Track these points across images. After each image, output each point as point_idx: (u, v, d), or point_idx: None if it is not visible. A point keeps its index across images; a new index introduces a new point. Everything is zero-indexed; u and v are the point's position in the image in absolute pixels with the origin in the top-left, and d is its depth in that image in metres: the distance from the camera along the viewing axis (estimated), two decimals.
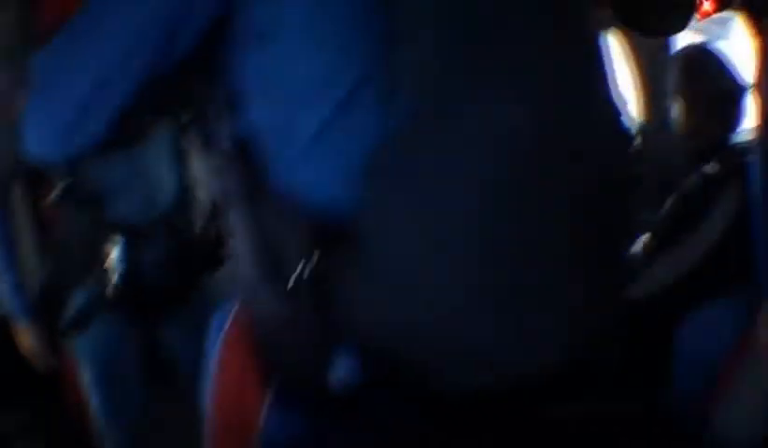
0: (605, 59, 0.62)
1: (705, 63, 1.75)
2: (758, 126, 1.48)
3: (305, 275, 0.52)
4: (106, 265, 1.38)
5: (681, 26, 1.18)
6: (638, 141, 1.84)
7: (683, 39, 1.91)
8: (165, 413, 1.50)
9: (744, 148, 1.61)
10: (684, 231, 1.60)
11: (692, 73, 1.72)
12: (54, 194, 1.39)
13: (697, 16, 2.22)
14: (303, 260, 0.51)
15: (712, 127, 1.69)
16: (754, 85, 1.56)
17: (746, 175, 1.45)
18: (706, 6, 2.28)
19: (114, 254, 1.38)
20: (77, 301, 1.40)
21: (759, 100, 1.49)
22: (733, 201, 1.55)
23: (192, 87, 0.67)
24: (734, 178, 1.57)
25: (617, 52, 2.62)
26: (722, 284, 1.54)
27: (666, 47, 2.07)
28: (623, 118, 0.65)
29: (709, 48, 1.83)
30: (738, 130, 1.71)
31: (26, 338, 1.47)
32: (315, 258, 0.51)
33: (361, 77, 0.52)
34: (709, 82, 1.70)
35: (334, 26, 0.53)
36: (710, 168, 1.62)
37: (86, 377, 1.44)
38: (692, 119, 1.70)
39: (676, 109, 1.72)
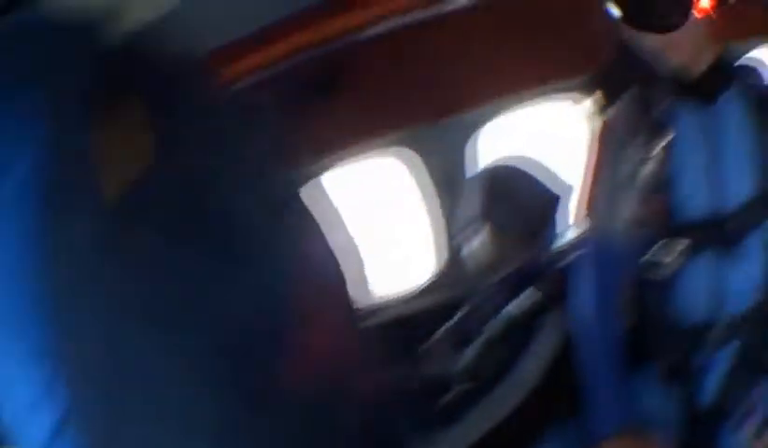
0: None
1: (512, 182, 1.60)
2: (586, 238, 1.30)
3: None
4: None
5: (680, 22, 1.12)
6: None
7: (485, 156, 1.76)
8: None
9: (563, 270, 1.42)
10: (494, 379, 1.44)
11: (498, 195, 1.59)
12: None
13: (695, 13, 2.12)
14: None
15: (523, 252, 1.54)
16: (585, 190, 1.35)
17: (565, 302, 1.29)
18: (704, 2, 2.16)
19: None
20: None
21: (589, 208, 1.31)
22: (552, 334, 1.39)
23: None
24: (553, 307, 1.42)
25: None
26: (547, 425, 1.40)
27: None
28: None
29: (514, 164, 1.66)
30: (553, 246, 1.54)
31: None
32: None
33: None
34: (517, 203, 1.57)
35: None
36: (521, 302, 1.46)
37: None
38: (500, 246, 1.55)
39: (481, 237, 1.57)
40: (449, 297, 1.72)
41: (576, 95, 1.86)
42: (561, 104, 1.94)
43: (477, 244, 1.58)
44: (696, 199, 1.24)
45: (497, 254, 1.57)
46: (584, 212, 1.33)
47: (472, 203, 1.62)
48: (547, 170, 1.67)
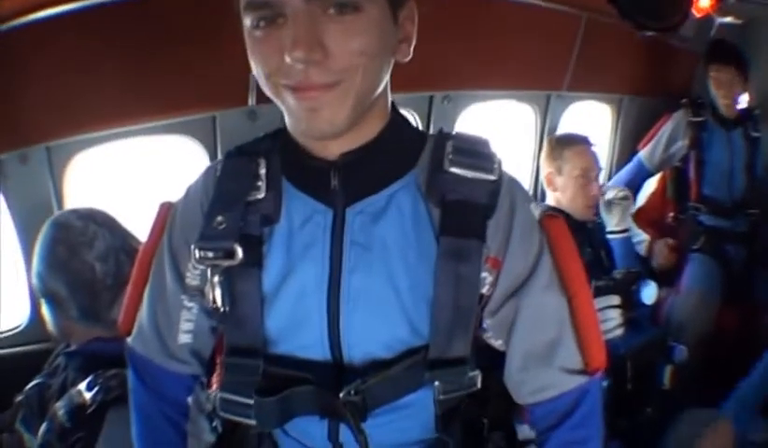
0: None
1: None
2: None
3: None
4: None
5: (679, 22, 1.14)
6: None
7: None
8: None
9: None
10: None
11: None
12: None
13: (695, 12, 2.21)
14: None
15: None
16: None
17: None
18: (704, 2, 2.27)
19: None
20: None
21: None
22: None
23: None
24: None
25: None
26: None
27: None
28: None
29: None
30: None
31: None
32: None
33: None
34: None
35: None
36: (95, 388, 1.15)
37: None
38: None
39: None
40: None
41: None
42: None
43: None
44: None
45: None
46: None
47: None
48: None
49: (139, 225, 1.24)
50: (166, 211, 0.93)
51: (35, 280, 1.32)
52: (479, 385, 0.86)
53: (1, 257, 1.68)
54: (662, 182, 2.71)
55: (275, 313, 0.83)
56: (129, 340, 0.96)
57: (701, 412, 1.75)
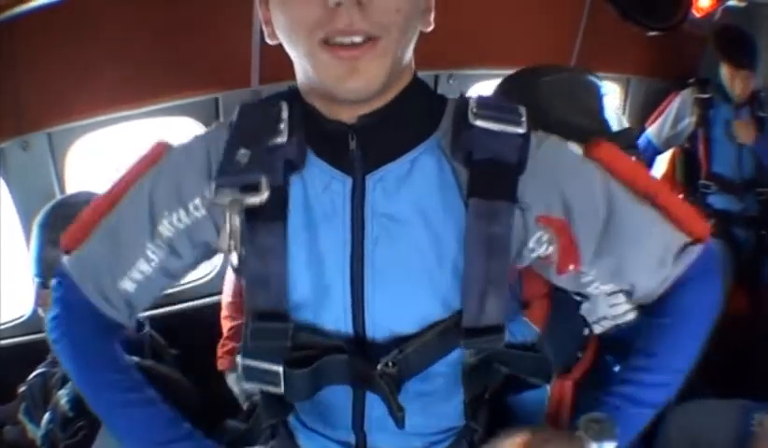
0: None
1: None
2: None
3: None
4: None
5: (679, 22, 1.13)
6: None
7: None
8: None
9: None
10: None
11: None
12: None
13: (694, 12, 2.20)
14: None
15: None
16: None
17: None
18: (703, 2, 2.25)
19: None
20: None
21: None
22: None
23: None
24: None
25: None
26: None
27: None
28: None
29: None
30: None
31: None
32: None
33: None
34: None
35: None
36: None
37: None
38: None
39: None
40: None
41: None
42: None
43: None
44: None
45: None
46: None
47: None
48: None
49: None
50: (161, 150, 0.83)
51: (39, 269, 1.29)
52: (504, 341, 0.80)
53: (2, 246, 1.66)
54: (671, 166, 2.68)
55: (297, 279, 0.77)
56: (66, 258, 0.85)
57: (706, 403, 1.71)
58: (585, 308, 1.71)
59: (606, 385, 1.39)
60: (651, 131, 2.59)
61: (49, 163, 1.63)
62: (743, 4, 2.63)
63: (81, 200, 1.29)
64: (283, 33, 0.70)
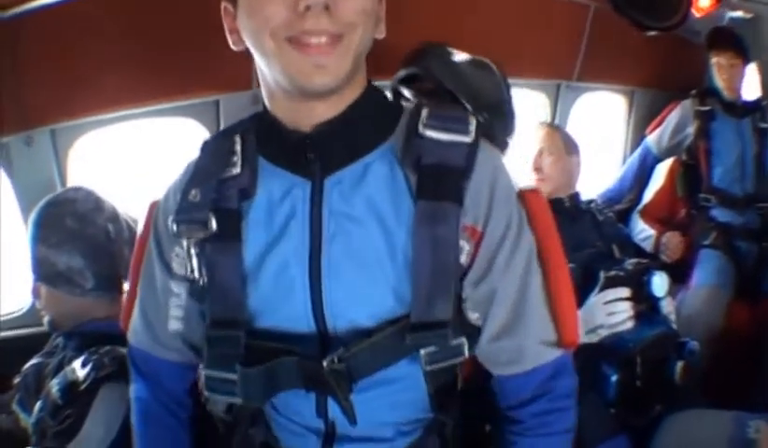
0: None
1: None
2: None
3: None
4: None
5: (679, 22, 1.15)
6: None
7: None
8: None
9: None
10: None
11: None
12: None
13: (694, 12, 2.20)
14: None
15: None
16: None
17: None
18: (703, 2, 2.25)
19: None
20: None
21: None
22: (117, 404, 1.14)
23: None
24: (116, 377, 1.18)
25: None
26: None
27: None
28: None
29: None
30: None
31: None
32: None
33: None
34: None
35: None
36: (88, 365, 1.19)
37: None
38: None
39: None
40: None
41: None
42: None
43: None
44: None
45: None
46: None
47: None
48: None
49: (142, 208, 1.23)
50: (154, 204, 0.95)
51: (34, 267, 1.31)
52: (467, 354, 0.84)
53: (3, 240, 1.68)
54: (670, 178, 2.66)
55: (258, 286, 0.82)
56: (128, 335, 0.98)
57: (700, 412, 1.70)
58: (580, 316, 1.70)
59: (605, 395, 1.39)
60: (651, 139, 2.60)
61: (51, 159, 1.66)
62: (748, 15, 2.64)
63: (72, 198, 1.31)
64: (250, 36, 0.75)
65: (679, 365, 1.75)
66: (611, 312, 1.70)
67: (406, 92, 1.13)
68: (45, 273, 1.29)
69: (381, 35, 0.81)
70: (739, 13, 2.63)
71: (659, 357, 1.76)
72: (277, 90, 0.79)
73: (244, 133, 0.86)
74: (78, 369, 1.14)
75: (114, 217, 1.31)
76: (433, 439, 0.89)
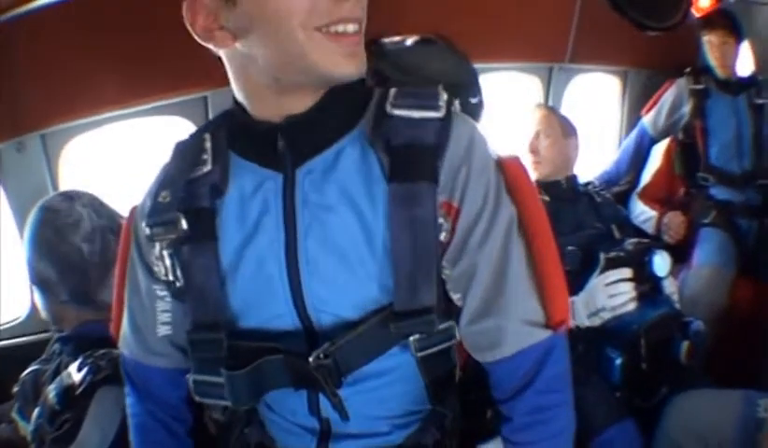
0: None
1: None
2: None
3: None
4: None
5: (679, 22, 1.14)
6: None
7: None
8: None
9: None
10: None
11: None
12: None
13: (694, 12, 2.19)
14: None
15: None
16: None
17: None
18: (703, 2, 2.23)
19: None
20: None
21: None
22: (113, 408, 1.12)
23: None
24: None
25: None
26: None
27: None
28: None
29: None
30: None
31: None
32: None
33: None
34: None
35: None
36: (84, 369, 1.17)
37: None
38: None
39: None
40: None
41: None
42: None
43: None
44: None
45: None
46: None
47: None
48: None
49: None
50: (134, 211, 0.92)
51: (26, 267, 1.30)
52: (458, 336, 0.81)
53: (0, 248, 1.67)
54: (667, 158, 2.64)
55: (237, 286, 0.80)
56: (119, 344, 0.96)
57: (707, 392, 1.69)
58: (581, 299, 1.68)
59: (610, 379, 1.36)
60: (647, 120, 2.57)
61: (42, 164, 1.65)
62: None
63: (56, 208, 1.28)
64: (267, 25, 0.70)
65: (684, 345, 1.73)
66: (613, 294, 1.68)
67: None
68: (30, 276, 1.29)
69: None
70: None
71: (663, 337, 1.74)
72: (266, 83, 0.75)
73: (215, 130, 0.85)
74: (74, 373, 1.12)
75: (91, 236, 1.26)
76: (432, 431, 0.87)
